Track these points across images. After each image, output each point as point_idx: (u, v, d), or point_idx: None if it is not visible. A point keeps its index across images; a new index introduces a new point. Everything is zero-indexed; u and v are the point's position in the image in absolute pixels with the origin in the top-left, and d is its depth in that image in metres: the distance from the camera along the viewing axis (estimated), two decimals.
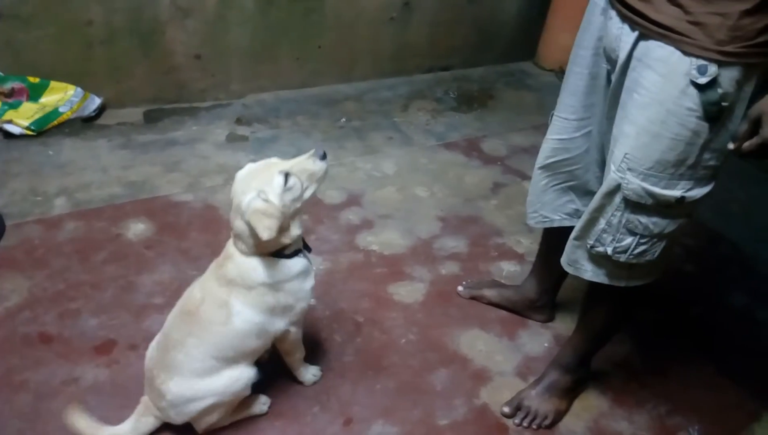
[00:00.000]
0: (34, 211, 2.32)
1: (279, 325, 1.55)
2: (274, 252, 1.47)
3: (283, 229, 1.41)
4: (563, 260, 1.62)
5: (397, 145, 3.02)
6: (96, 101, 2.92)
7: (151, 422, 1.56)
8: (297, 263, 1.51)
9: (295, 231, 1.47)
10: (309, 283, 1.58)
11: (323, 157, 1.47)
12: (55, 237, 2.22)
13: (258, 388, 1.68)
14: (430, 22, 3.53)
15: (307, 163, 1.46)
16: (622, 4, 1.31)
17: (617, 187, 1.38)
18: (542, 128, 1.70)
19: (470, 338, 2.04)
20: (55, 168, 2.56)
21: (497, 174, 2.91)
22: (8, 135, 2.68)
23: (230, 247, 1.50)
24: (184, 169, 2.67)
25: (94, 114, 2.91)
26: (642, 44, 1.27)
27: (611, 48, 1.38)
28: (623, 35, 1.32)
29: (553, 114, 1.68)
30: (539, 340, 2.07)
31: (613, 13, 1.36)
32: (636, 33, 1.28)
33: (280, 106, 3.20)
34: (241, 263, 1.46)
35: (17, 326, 1.87)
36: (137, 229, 2.31)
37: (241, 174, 1.46)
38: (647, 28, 1.25)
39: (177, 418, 1.54)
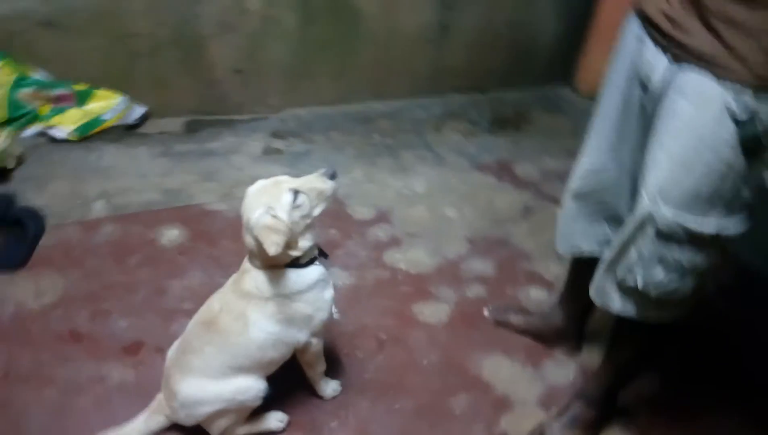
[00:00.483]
0: (74, 213, 2.40)
1: (299, 336, 1.57)
2: (288, 263, 1.49)
3: (291, 244, 1.44)
4: (591, 291, 1.58)
5: (429, 165, 3.03)
6: (139, 110, 3.01)
7: (161, 421, 1.60)
8: (312, 272, 1.53)
9: (304, 244, 1.48)
10: (328, 292, 1.59)
11: (333, 176, 1.50)
12: (92, 239, 2.29)
13: (277, 398, 1.70)
14: (467, 43, 3.55)
15: (316, 182, 1.48)
16: (657, 30, 1.29)
17: (649, 218, 1.35)
18: (577, 154, 1.68)
19: (493, 364, 2.01)
20: (96, 172, 2.64)
21: (529, 198, 2.88)
22: (53, 139, 2.78)
23: (246, 262, 1.53)
24: (219, 179, 2.73)
25: (136, 122, 3.00)
26: (677, 72, 1.25)
27: (645, 74, 1.36)
28: (657, 62, 1.30)
29: (586, 142, 1.65)
30: (564, 370, 2.03)
31: (647, 39, 1.34)
32: (670, 59, 1.26)
33: (315, 122, 3.25)
34: (256, 276, 1.49)
35: (51, 323, 1.93)
36: (171, 235, 2.36)
37: (251, 190, 1.48)
38: (682, 54, 1.23)
39: (187, 419, 1.57)
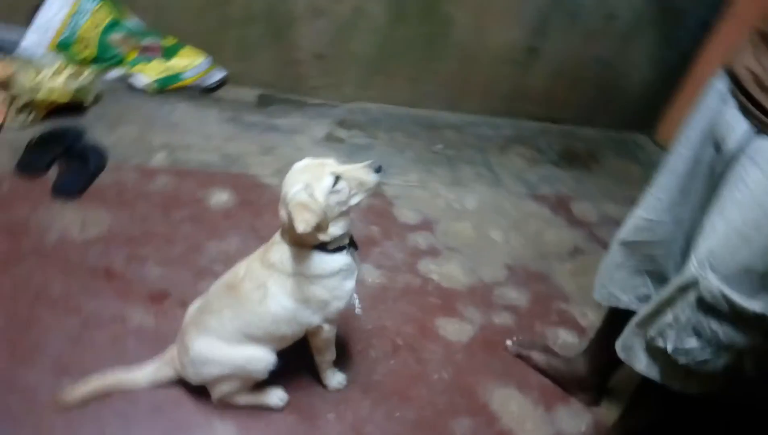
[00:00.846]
0: (135, 158, 2.49)
1: (313, 319, 1.57)
2: (316, 245, 1.49)
3: (321, 227, 1.43)
4: (618, 344, 1.51)
5: (486, 184, 2.98)
6: (218, 74, 3.11)
7: (169, 374, 1.64)
8: (337, 260, 1.52)
9: (335, 231, 1.48)
10: (349, 283, 1.58)
11: (378, 170, 1.49)
12: (146, 186, 2.37)
13: (281, 379, 1.70)
14: (551, 71, 3.48)
15: (360, 172, 1.47)
16: (743, 92, 1.22)
17: (694, 283, 1.28)
18: None
19: (504, 396, 1.95)
20: (165, 125, 2.73)
21: (580, 239, 2.79)
22: (131, 86, 2.90)
23: (278, 235, 1.54)
24: (277, 155, 2.77)
25: (213, 86, 3.09)
26: (755, 139, 1.18)
27: (721, 135, 1.29)
28: (736, 124, 1.23)
29: (648, 192, 1.59)
30: (577, 420, 1.94)
31: (731, 100, 1.27)
32: (751, 126, 1.19)
33: (382, 119, 3.26)
34: (283, 250, 1.50)
35: (89, 256, 2.01)
36: (220, 198, 2.42)
37: (296, 165, 1.49)
38: (764, 120, 1.16)
39: (194, 377, 1.60)
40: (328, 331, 1.63)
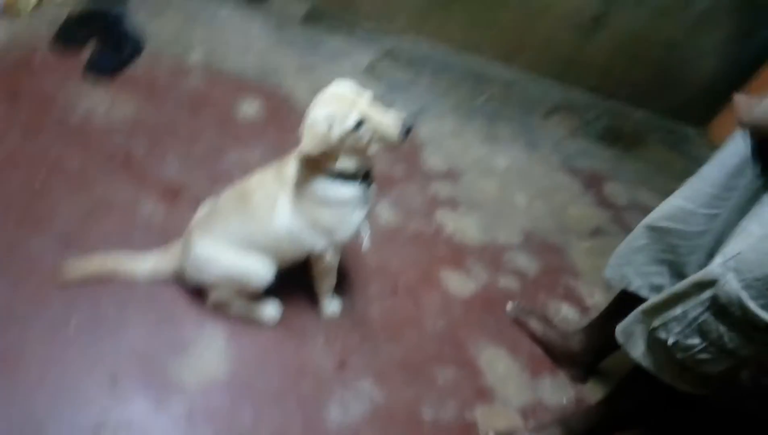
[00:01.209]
0: (173, 50, 2.45)
1: (317, 243, 1.56)
2: (327, 171, 1.45)
3: (329, 157, 1.40)
4: (619, 328, 1.48)
5: (521, 146, 2.89)
6: None
7: (169, 268, 1.66)
8: (345, 190, 1.49)
9: (345, 164, 1.44)
10: (357, 215, 1.55)
11: (408, 131, 1.39)
12: (179, 80, 2.34)
13: (280, 294, 1.71)
14: (615, 44, 3.30)
15: (389, 125, 1.38)
16: None
17: (712, 282, 1.23)
18: None
19: (493, 355, 1.94)
20: (209, 24, 2.68)
21: (605, 219, 2.71)
22: None
23: (296, 151, 1.51)
24: (314, 75, 2.71)
25: None
26: None
27: None
28: None
29: (690, 180, 1.51)
30: (560, 392, 1.93)
31: None
32: None
33: (430, 58, 3.15)
34: (298, 168, 1.48)
35: (111, 139, 2.01)
36: (249, 108, 2.39)
37: (335, 88, 1.43)
38: None
39: (192, 277, 1.61)
40: (331, 258, 1.62)
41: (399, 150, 2.51)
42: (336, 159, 1.43)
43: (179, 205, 1.90)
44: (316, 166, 1.45)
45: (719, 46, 3.34)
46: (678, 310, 1.30)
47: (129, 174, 1.93)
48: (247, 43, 2.69)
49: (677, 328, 1.30)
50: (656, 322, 1.35)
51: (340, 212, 1.51)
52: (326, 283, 1.73)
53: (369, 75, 2.86)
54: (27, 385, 1.41)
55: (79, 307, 1.57)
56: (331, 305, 1.80)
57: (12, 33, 2.20)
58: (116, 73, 2.22)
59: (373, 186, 1.60)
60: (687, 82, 3.51)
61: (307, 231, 1.52)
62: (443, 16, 3.17)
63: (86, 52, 2.26)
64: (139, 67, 2.31)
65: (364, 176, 1.52)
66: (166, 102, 2.22)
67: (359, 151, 1.43)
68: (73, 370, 1.46)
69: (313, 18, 3.03)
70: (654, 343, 1.38)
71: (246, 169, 2.06)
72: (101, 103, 2.10)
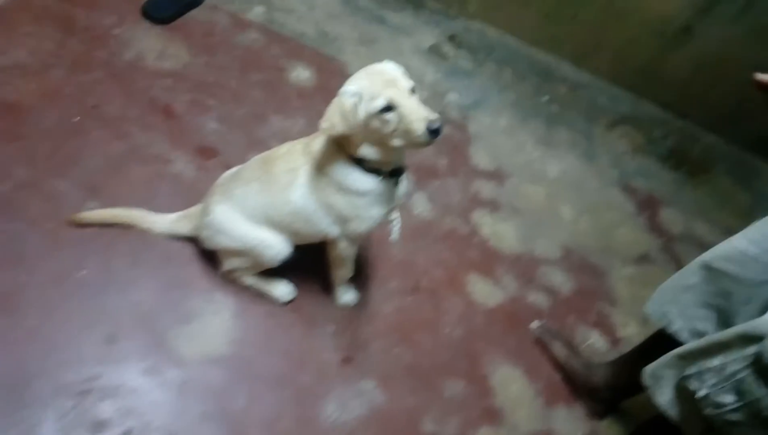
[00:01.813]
0: (235, 4, 2.38)
1: (330, 229, 1.48)
2: (353, 157, 1.37)
3: (349, 139, 1.32)
4: (648, 369, 1.40)
5: (578, 154, 2.73)
6: None
7: (186, 228, 1.62)
8: (366, 182, 1.39)
9: (366, 151, 1.33)
10: (376, 210, 1.45)
11: (436, 132, 1.24)
12: (234, 36, 2.28)
13: (294, 276, 1.65)
14: (698, 60, 3.06)
15: (417, 121, 1.24)
16: None
17: (759, 338, 1.11)
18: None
19: (508, 375, 1.85)
20: None
21: (654, 247, 2.55)
22: None
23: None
24: (374, 50, 2.60)
25: None
26: None
27: None
28: None
29: (757, 223, 1.37)
30: (573, 426, 1.84)
31: None
32: None
33: (497, 48, 2.99)
34: (326, 146, 1.40)
35: (155, 87, 1.96)
36: (301, 74, 2.31)
37: (375, 67, 1.33)
38: None
39: (207, 241, 1.57)
40: (345, 248, 1.54)
41: (446, 141, 2.41)
42: (357, 144, 1.32)
43: (211, 166, 1.85)
44: (341, 147, 1.37)
45: None
46: (716, 361, 1.21)
47: (167, 126, 1.89)
48: (311, 6, 2.59)
49: (711, 380, 1.21)
50: (690, 370, 1.26)
51: (357, 203, 1.42)
52: (341, 271, 1.65)
53: (430, 57, 2.74)
54: (22, 332, 1.40)
55: (91, 256, 1.54)
56: (346, 295, 1.73)
57: None
58: (173, 19, 2.17)
59: (404, 184, 1.50)
60: None
61: (320, 213, 1.45)
62: (518, 6, 2.99)
63: None
64: (197, 16, 2.25)
65: (392, 172, 1.42)
66: (217, 57, 2.17)
67: (381, 141, 1.30)
68: (72, 322, 1.44)
69: None
70: (682, 392, 1.29)
71: (285, 138, 1.98)
72: (152, 49, 2.06)
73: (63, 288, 1.48)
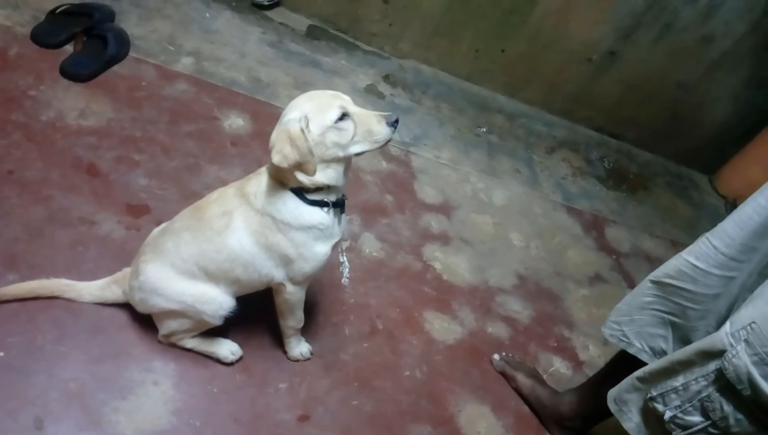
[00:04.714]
0: (161, 56, 2.31)
1: (274, 273, 1.40)
2: (294, 188, 1.31)
3: (305, 167, 1.25)
4: (611, 393, 1.37)
5: (521, 182, 2.75)
6: None
7: (117, 294, 1.50)
8: (312, 215, 1.33)
9: (320, 178, 1.29)
10: (321, 247, 1.39)
11: (393, 124, 1.29)
12: (162, 88, 2.20)
13: (238, 332, 1.55)
14: (625, 82, 3.17)
15: (373, 119, 1.28)
16: None
17: (720, 353, 1.09)
18: (680, 248, 1.41)
19: (475, 413, 1.78)
20: (202, 30, 2.54)
21: (605, 266, 2.56)
22: None
23: (266, 166, 1.38)
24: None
25: (266, 3, 2.87)
26: None
27: None
28: None
29: (704, 235, 1.36)
30: None
31: None
32: None
33: (432, 85, 3.02)
34: (262, 182, 1.35)
35: (77, 146, 1.85)
36: (235, 122, 2.24)
37: (307, 93, 1.32)
38: None
39: (140, 305, 1.45)
40: (292, 293, 1.44)
41: (391, 177, 2.37)
42: (312, 171, 1.26)
43: (142, 224, 1.74)
44: (284, 179, 1.31)
45: (735, 90, 3.23)
46: (679, 381, 1.19)
47: (92, 185, 1.78)
48: (242, 54, 2.55)
49: (676, 401, 1.18)
50: (654, 392, 1.23)
51: (303, 240, 1.35)
52: (290, 320, 1.54)
53: (366, 97, 2.73)
54: None
55: (11, 334, 1.40)
56: (298, 347, 1.63)
57: None
58: (95, 76, 2.07)
59: (345, 217, 1.45)
60: (698, 126, 3.39)
61: (263, 257, 1.36)
62: (448, 44, 3.05)
63: (67, 50, 2.11)
64: (121, 71, 2.16)
65: (335, 204, 1.37)
66: (144, 110, 2.08)
67: (340, 152, 1.27)
68: None
69: (315, 35, 2.90)
70: (649, 415, 1.25)
71: None
72: (73, 107, 1.95)
73: None
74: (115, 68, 2.15)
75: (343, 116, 1.24)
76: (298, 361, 1.64)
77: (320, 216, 1.34)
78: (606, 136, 3.38)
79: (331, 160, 1.28)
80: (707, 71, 3.13)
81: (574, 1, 2.87)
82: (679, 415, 1.17)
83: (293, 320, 1.54)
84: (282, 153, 1.22)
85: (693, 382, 1.15)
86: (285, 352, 1.63)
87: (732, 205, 3.32)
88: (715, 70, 3.12)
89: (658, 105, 3.29)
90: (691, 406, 1.16)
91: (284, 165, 1.23)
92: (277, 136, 1.25)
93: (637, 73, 3.14)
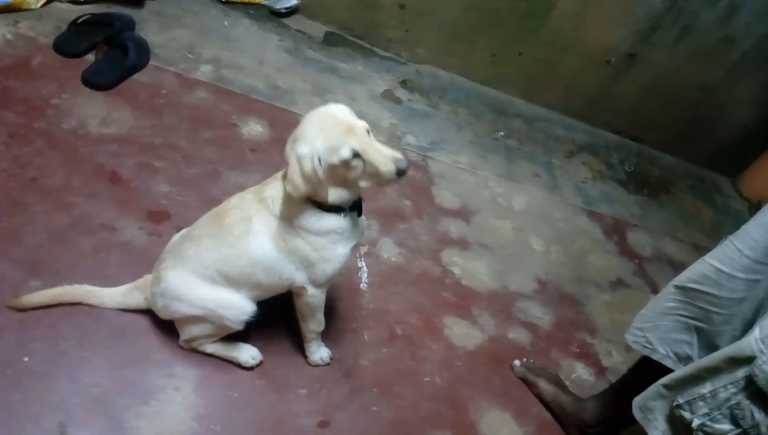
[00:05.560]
0: (180, 64, 2.33)
1: (296, 275, 1.40)
2: (313, 200, 1.32)
3: (316, 193, 1.27)
4: (636, 401, 1.34)
5: (540, 186, 2.72)
6: (292, 0, 2.90)
7: (139, 300, 1.51)
8: (330, 220, 1.34)
9: (333, 196, 1.31)
10: (341, 248, 1.40)
11: (402, 172, 1.26)
12: (182, 96, 2.22)
13: (259, 337, 1.55)
14: (646, 84, 3.14)
15: (385, 160, 1.25)
16: None
17: (749, 359, 1.06)
18: (703, 252, 1.38)
19: (496, 420, 1.75)
20: (221, 38, 2.56)
21: (627, 271, 2.52)
22: None
23: (281, 172, 1.38)
24: (328, 99, 2.55)
25: (284, 11, 2.89)
26: None
27: None
28: None
29: (728, 239, 1.34)
30: None
31: None
32: None
33: (449, 89, 3.01)
34: (279, 190, 1.35)
35: (99, 154, 1.87)
36: (254, 129, 2.25)
37: (324, 112, 1.29)
38: None
39: (162, 311, 1.46)
40: (313, 295, 1.44)
41: (409, 183, 2.37)
42: (324, 192, 1.28)
43: (163, 230, 1.75)
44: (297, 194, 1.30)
45: (756, 92, 3.18)
46: (707, 388, 1.16)
47: (114, 192, 1.79)
48: (260, 61, 2.57)
49: (704, 409, 1.16)
50: (680, 399, 1.20)
51: (323, 244, 1.36)
52: (311, 324, 1.54)
53: (384, 102, 2.73)
54: None
55: (35, 340, 1.41)
56: (318, 352, 1.62)
57: (15, 30, 2.10)
58: (116, 84, 2.10)
59: (363, 219, 1.46)
60: (720, 129, 3.33)
61: (284, 261, 1.37)
62: (465, 48, 3.04)
63: (89, 59, 2.14)
64: (141, 79, 2.19)
65: (351, 206, 1.37)
66: (164, 118, 2.10)
67: (348, 184, 1.30)
68: (17, 414, 1.30)
69: (332, 41, 2.91)
70: (676, 423, 1.22)
71: None
72: (95, 115, 1.98)
73: (5, 378, 1.33)
74: (136, 76, 2.18)
75: (355, 156, 1.24)
76: (318, 366, 1.63)
77: (338, 221, 1.35)
78: (626, 139, 3.34)
79: (339, 186, 1.30)
80: (728, 73, 3.08)
81: (591, 4, 2.85)
82: (708, 423, 1.14)
83: (315, 323, 1.54)
84: (294, 184, 1.24)
85: (721, 389, 1.13)
86: (305, 357, 1.63)
87: (756, 207, 3.26)
88: (737, 72, 3.07)
89: (679, 107, 3.24)
90: (719, 413, 1.13)
91: (296, 195, 1.25)
92: (290, 169, 1.25)
93: (657, 75, 3.11)
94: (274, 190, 1.36)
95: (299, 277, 1.40)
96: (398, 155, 1.26)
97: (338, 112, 1.30)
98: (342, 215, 1.35)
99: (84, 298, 1.48)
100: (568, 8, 2.86)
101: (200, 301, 1.40)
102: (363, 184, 1.30)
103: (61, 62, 2.08)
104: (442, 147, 2.64)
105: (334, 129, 1.25)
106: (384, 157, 1.25)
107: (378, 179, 1.27)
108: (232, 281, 1.39)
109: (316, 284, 1.42)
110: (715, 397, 1.14)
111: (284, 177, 1.34)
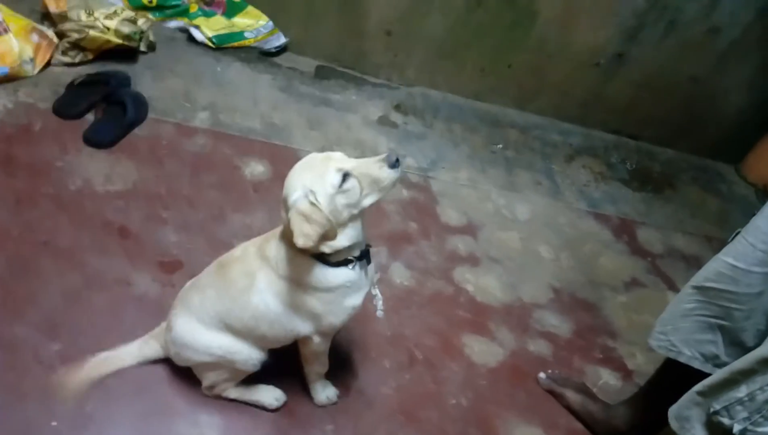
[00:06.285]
0: (177, 114, 2.37)
1: (301, 328, 1.39)
2: (316, 255, 1.29)
3: (327, 237, 1.22)
4: (672, 411, 1.31)
5: (543, 194, 2.73)
6: (281, 39, 2.95)
7: (157, 349, 1.52)
8: (339, 275, 1.32)
9: (341, 241, 1.27)
10: (352, 300, 1.37)
11: (395, 164, 1.24)
12: (182, 144, 2.25)
13: (279, 377, 1.55)
14: (637, 82, 3.16)
15: (373, 167, 1.24)
16: None
17: None
18: (715, 243, 1.38)
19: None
20: (214, 84, 2.61)
21: (641, 270, 2.51)
22: (190, 38, 2.78)
23: (280, 229, 1.36)
24: (324, 131, 2.61)
25: (273, 51, 2.94)
26: None
27: None
28: None
29: (738, 233, 1.34)
30: None
31: None
32: None
33: (442, 108, 3.04)
34: (281, 250, 1.32)
35: (107, 210, 1.90)
36: (255, 168, 2.28)
37: (298, 164, 1.29)
38: None
39: (176, 358, 1.47)
40: (318, 344, 1.43)
41: (412, 204, 2.38)
42: (335, 236, 1.24)
43: (177, 279, 1.76)
44: (300, 249, 1.25)
45: (748, 78, 3.19)
46: (743, 391, 1.14)
47: (124, 246, 1.82)
48: (255, 101, 2.61)
49: (743, 413, 1.14)
50: (717, 405, 1.18)
51: (332, 298, 1.34)
52: (315, 367, 1.53)
53: (379, 128, 2.76)
54: None
55: (60, 404, 1.42)
56: (324, 392, 1.60)
57: (15, 98, 2.14)
58: (117, 141, 2.14)
59: (372, 266, 1.44)
60: (716, 117, 3.34)
61: (289, 315, 1.36)
62: (453, 66, 3.08)
63: (89, 119, 2.18)
64: (141, 132, 2.22)
65: (359, 256, 1.35)
66: (167, 166, 2.13)
67: (354, 210, 1.26)
68: None
69: (323, 74, 2.95)
70: (715, 430, 1.20)
71: (249, 235, 1.89)
72: (99, 173, 2.01)
73: None
74: (136, 131, 2.21)
75: (345, 176, 1.22)
76: (325, 406, 1.61)
77: (346, 275, 1.32)
78: (624, 137, 3.35)
79: (347, 220, 1.26)
80: (718, 62, 3.10)
81: (574, 8, 2.88)
82: (750, 427, 1.13)
83: (319, 366, 1.53)
84: (303, 234, 1.18)
85: (758, 391, 1.12)
86: (313, 398, 1.60)
87: (762, 191, 3.26)
88: (726, 60, 3.09)
89: (673, 101, 3.25)
90: (761, 416, 1.12)
91: (310, 244, 1.19)
92: (291, 221, 1.21)
93: (648, 72, 3.13)
94: (275, 250, 1.33)
95: (305, 329, 1.38)
96: (383, 155, 1.25)
97: (306, 158, 1.30)
98: (350, 267, 1.32)
99: (107, 367, 1.48)
100: (551, 15, 2.90)
101: (207, 348, 1.40)
102: (369, 201, 1.25)
103: (61, 125, 2.12)
104: (441, 165, 2.66)
105: (312, 164, 1.26)
106: (370, 161, 1.24)
107: (379, 185, 1.24)
108: (235, 331, 1.39)
109: (323, 334, 1.41)
110: (753, 400, 1.13)
111: (282, 236, 1.32)
